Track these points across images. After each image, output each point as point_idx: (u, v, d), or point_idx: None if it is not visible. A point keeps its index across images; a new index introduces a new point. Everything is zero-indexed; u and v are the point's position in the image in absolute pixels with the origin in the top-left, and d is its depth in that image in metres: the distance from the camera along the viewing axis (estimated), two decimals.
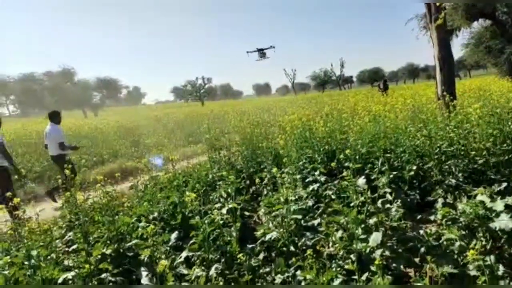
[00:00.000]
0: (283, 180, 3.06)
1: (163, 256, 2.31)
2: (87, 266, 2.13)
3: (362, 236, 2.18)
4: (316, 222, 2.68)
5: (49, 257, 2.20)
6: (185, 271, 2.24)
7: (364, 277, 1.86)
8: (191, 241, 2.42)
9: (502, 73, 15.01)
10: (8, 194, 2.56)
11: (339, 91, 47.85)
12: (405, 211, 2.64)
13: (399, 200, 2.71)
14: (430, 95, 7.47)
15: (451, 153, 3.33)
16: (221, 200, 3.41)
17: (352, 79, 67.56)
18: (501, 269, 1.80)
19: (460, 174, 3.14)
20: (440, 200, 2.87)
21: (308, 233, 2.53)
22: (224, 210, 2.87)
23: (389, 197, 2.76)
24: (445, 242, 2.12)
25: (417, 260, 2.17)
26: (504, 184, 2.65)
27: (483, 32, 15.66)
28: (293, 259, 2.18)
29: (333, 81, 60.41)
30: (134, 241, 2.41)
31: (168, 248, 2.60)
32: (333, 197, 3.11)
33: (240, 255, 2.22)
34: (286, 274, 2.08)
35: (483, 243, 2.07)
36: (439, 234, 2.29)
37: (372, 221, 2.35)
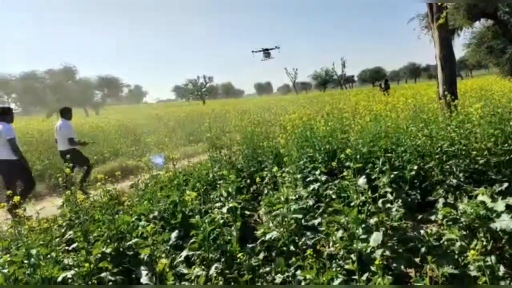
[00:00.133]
0: (284, 179, 3.06)
1: (163, 255, 2.31)
2: (86, 265, 2.13)
3: (363, 236, 2.18)
4: (316, 221, 2.67)
5: (49, 256, 2.20)
6: (185, 271, 2.24)
7: (364, 277, 1.86)
8: (191, 240, 2.42)
9: (504, 73, 14.97)
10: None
11: (340, 90, 47.80)
12: (406, 211, 2.63)
13: (400, 200, 2.71)
14: (431, 94, 7.45)
15: (452, 153, 3.32)
16: (222, 199, 3.41)
17: (353, 78, 67.51)
18: (501, 269, 1.79)
19: (461, 174, 3.13)
20: (441, 200, 2.86)
21: (308, 233, 2.53)
22: (224, 209, 2.87)
23: (389, 197, 2.75)
24: (445, 242, 2.12)
25: (417, 260, 2.16)
26: (505, 184, 2.65)
27: (485, 32, 15.61)
28: (293, 258, 2.18)
29: (335, 80, 60.37)
30: (134, 240, 2.41)
31: (168, 247, 2.60)
32: (333, 196, 3.11)
33: (240, 254, 2.22)
34: (286, 274, 2.07)
35: (484, 243, 2.06)
36: (439, 234, 2.28)
37: (372, 221, 2.34)
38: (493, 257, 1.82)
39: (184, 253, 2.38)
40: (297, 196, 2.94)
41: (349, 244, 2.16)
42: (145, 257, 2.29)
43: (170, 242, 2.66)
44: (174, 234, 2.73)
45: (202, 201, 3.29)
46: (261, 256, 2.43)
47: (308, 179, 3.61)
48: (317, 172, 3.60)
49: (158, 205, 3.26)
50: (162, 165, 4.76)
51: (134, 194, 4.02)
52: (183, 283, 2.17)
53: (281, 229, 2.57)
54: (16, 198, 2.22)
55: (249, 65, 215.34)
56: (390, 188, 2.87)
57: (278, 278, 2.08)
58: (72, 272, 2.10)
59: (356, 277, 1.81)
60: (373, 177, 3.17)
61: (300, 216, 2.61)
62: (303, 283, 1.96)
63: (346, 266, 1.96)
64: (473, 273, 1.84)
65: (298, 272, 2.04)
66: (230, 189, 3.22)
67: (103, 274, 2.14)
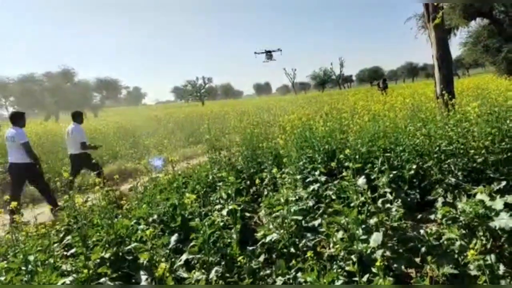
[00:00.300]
0: (283, 180, 3.05)
1: (162, 259, 2.30)
2: (85, 271, 2.11)
3: (363, 237, 2.17)
4: (316, 222, 2.67)
5: (46, 262, 2.18)
6: (185, 275, 2.23)
7: (365, 278, 1.86)
8: (191, 244, 2.41)
9: (500, 72, 15.02)
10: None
11: (339, 90, 47.89)
12: (405, 210, 2.63)
13: (399, 200, 2.71)
14: (429, 94, 7.48)
15: (451, 152, 3.32)
16: (221, 201, 3.40)
17: (351, 78, 67.66)
18: (501, 268, 1.79)
19: (459, 173, 3.14)
20: (440, 199, 2.86)
21: (308, 234, 2.53)
22: (224, 212, 2.86)
23: (389, 196, 2.75)
24: (445, 242, 2.12)
25: (418, 260, 2.16)
26: (503, 183, 2.65)
27: (481, 31, 15.68)
28: (294, 261, 2.17)
29: (333, 80, 60.49)
30: (133, 244, 2.40)
31: (167, 251, 2.58)
32: (333, 197, 3.10)
33: (241, 257, 2.21)
34: (287, 276, 2.07)
35: (484, 242, 2.06)
36: (439, 233, 2.28)
37: (372, 221, 2.34)
38: (492, 256, 1.82)
39: (184, 257, 2.37)
40: (297, 197, 2.94)
41: (349, 245, 2.16)
42: (145, 262, 2.27)
43: (170, 246, 2.64)
44: (173, 238, 2.71)
45: (201, 204, 3.27)
46: (261, 258, 2.42)
47: (307, 180, 3.60)
48: (317, 173, 3.60)
49: (158, 208, 3.25)
50: (161, 168, 4.74)
51: (133, 198, 4.01)
52: (182, 285, 2.15)
53: (281, 231, 2.56)
54: (13, 204, 2.20)
55: (248, 66, 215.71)
56: (389, 188, 2.87)
57: (279, 281, 2.07)
58: (70, 278, 2.08)
59: (357, 278, 1.81)
60: (372, 177, 3.18)
61: (300, 217, 2.60)
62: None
63: (347, 268, 1.95)
64: (473, 272, 1.84)
65: (299, 274, 2.03)
66: (229, 191, 3.21)
67: (102, 280, 2.12)
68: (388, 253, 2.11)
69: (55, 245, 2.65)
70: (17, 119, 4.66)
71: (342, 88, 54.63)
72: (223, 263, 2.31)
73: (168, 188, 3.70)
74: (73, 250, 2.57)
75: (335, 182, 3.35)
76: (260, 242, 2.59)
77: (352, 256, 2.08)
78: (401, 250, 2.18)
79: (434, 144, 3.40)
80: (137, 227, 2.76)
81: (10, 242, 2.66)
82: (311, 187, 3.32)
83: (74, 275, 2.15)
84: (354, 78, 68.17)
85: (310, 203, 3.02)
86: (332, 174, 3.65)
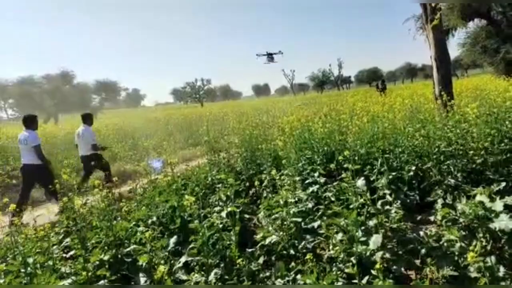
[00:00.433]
0: (283, 182, 3.05)
1: (161, 262, 2.29)
2: (84, 273, 2.10)
3: (362, 239, 2.17)
4: (316, 224, 2.67)
5: (45, 264, 2.17)
6: (184, 277, 2.22)
7: (364, 281, 1.85)
8: (190, 246, 2.40)
9: (498, 72, 15.08)
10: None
11: (337, 91, 47.99)
12: (405, 212, 2.63)
13: (399, 201, 2.70)
14: (428, 95, 7.49)
15: (450, 153, 3.33)
16: (221, 203, 3.40)
17: (350, 79, 67.79)
18: (501, 270, 1.79)
19: (459, 174, 3.14)
20: (440, 201, 2.86)
21: (308, 236, 2.52)
22: (223, 214, 2.85)
23: (388, 198, 2.75)
24: (445, 243, 2.11)
25: (417, 262, 2.16)
26: (503, 184, 2.65)
27: (479, 32, 15.74)
28: (293, 263, 2.16)
29: (332, 81, 60.63)
30: (132, 247, 2.39)
31: (167, 253, 2.57)
32: (332, 199, 3.10)
33: (240, 260, 2.20)
34: (287, 278, 2.06)
35: (483, 243, 2.06)
36: (439, 235, 2.28)
37: (372, 223, 2.34)
38: (493, 258, 1.82)
39: (183, 259, 2.36)
40: (296, 199, 2.93)
41: (349, 247, 2.15)
42: (144, 264, 2.26)
43: (169, 248, 2.63)
44: (173, 240, 2.70)
45: (201, 206, 3.27)
46: (260, 260, 2.41)
47: (307, 182, 3.60)
48: (316, 174, 3.60)
49: (157, 210, 3.24)
50: (161, 170, 4.74)
51: (132, 200, 4.00)
52: (180, 285, 2.15)
53: (281, 233, 2.56)
54: (12, 207, 2.20)
55: (246, 67, 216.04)
56: (388, 189, 2.87)
57: (278, 283, 2.07)
58: (69, 280, 2.07)
59: (356, 280, 1.80)
60: (371, 178, 3.17)
61: (299, 219, 2.60)
62: None
63: (346, 270, 1.95)
64: (473, 274, 1.84)
65: (299, 276, 2.03)
66: (228, 193, 3.21)
67: (101, 282, 2.11)
68: (387, 255, 2.11)
69: (54, 247, 2.64)
70: (30, 122, 4.82)
71: (340, 89, 54.74)
72: (222, 265, 2.30)
73: (167, 190, 3.69)
74: (72, 252, 2.56)
75: (334, 183, 3.35)
76: (259, 244, 2.59)
77: (352, 258, 2.08)
78: (400, 252, 2.18)
79: (433, 145, 3.41)
80: (136, 229, 2.75)
81: (10, 244, 2.65)
82: (310, 189, 3.32)
83: (73, 277, 2.15)
84: (352, 79, 68.31)
85: (309, 205, 3.01)
86: (331, 176, 3.65)
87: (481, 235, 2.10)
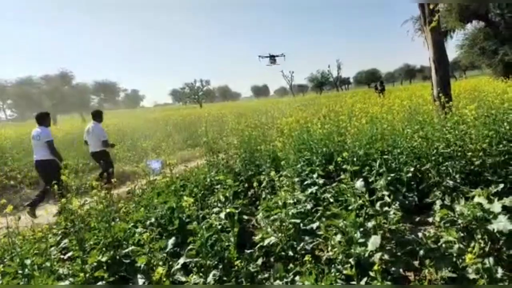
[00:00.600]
0: (281, 183, 3.05)
1: (160, 263, 2.28)
2: (82, 274, 2.10)
3: (361, 240, 2.17)
4: (314, 225, 2.67)
5: (43, 265, 2.16)
6: (182, 278, 2.21)
7: (363, 282, 1.85)
8: (189, 247, 2.40)
9: (497, 74, 15.14)
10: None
11: (336, 92, 48.10)
12: (403, 213, 2.63)
13: (397, 203, 2.71)
14: (426, 96, 7.51)
15: (448, 154, 3.33)
16: (219, 204, 3.39)
17: (349, 80, 67.94)
18: (500, 271, 1.79)
19: (457, 176, 3.14)
20: (438, 202, 2.86)
21: (306, 237, 2.52)
22: (222, 215, 2.85)
23: (387, 199, 2.75)
24: (443, 245, 2.12)
25: (416, 263, 2.16)
26: (501, 185, 2.66)
27: (477, 34, 15.84)
28: (292, 264, 2.16)
29: (331, 82, 60.75)
30: (130, 248, 2.38)
31: (165, 255, 2.57)
32: (331, 200, 3.10)
33: (238, 261, 2.20)
34: (285, 280, 2.06)
35: (482, 245, 2.06)
36: (437, 236, 2.28)
37: (370, 224, 2.34)
38: (491, 259, 1.82)
39: (182, 261, 2.36)
40: (295, 200, 2.93)
41: (347, 248, 2.15)
42: (142, 265, 2.26)
43: (167, 249, 2.63)
44: (171, 241, 2.70)
45: (199, 207, 3.26)
46: (259, 261, 2.41)
47: (305, 183, 3.60)
48: (315, 176, 3.60)
49: (155, 212, 3.23)
50: (159, 170, 4.73)
51: (130, 201, 3.99)
52: (179, 285, 2.14)
53: (279, 234, 2.55)
54: (9, 208, 2.18)
55: (246, 68, 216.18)
56: (387, 190, 2.87)
57: (277, 284, 2.06)
58: (67, 282, 2.06)
59: (355, 282, 1.80)
60: (370, 179, 3.18)
61: (298, 220, 2.60)
62: None
63: (345, 271, 1.95)
64: (472, 275, 1.84)
65: (297, 277, 2.03)
66: (227, 194, 3.20)
67: (99, 284, 2.10)
68: (386, 256, 2.11)
69: (52, 248, 2.63)
70: (42, 119, 5.07)
71: (339, 90, 54.86)
72: (220, 266, 2.30)
73: (166, 191, 3.68)
74: (70, 254, 2.55)
75: (333, 184, 3.35)
76: (258, 245, 2.58)
77: (350, 259, 2.07)
78: (399, 253, 2.18)
79: (431, 146, 3.41)
80: (135, 230, 2.75)
81: (7, 245, 2.64)
82: (309, 190, 3.32)
83: (71, 278, 2.14)
84: (351, 80, 68.48)
85: (308, 206, 3.01)
86: (330, 177, 3.65)
87: (479, 236, 2.10)
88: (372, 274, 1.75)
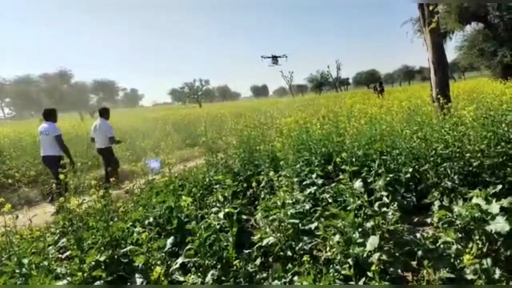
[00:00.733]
0: (280, 183, 3.05)
1: (158, 263, 2.28)
2: (80, 274, 2.09)
3: (359, 240, 2.17)
4: (313, 226, 2.67)
5: (41, 264, 2.15)
6: (180, 278, 2.21)
7: (361, 282, 1.85)
8: (187, 247, 2.39)
9: (495, 75, 15.20)
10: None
11: (335, 93, 48.18)
12: (402, 214, 2.64)
13: (396, 203, 2.71)
14: (425, 97, 7.53)
15: (447, 155, 3.34)
16: (218, 204, 3.39)
17: (348, 81, 68.06)
18: (497, 272, 1.80)
19: (455, 176, 3.15)
20: (436, 203, 2.87)
21: (305, 238, 2.52)
22: (220, 215, 2.84)
23: (385, 200, 2.75)
24: (441, 245, 2.12)
25: (414, 263, 2.17)
26: (499, 186, 2.66)
27: (476, 35, 15.89)
28: (290, 264, 2.16)
29: (330, 83, 60.85)
30: (128, 247, 2.38)
31: (163, 254, 2.56)
32: (330, 200, 3.11)
33: (237, 261, 2.20)
34: (283, 280, 2.06)
35: (480, 246, 2.07)
36: (435, 237, 2.29)
37: (369, 224, 2.34)
38: (489, 260, 1.83)
39: (180, 260, 2.35)
40: (293, 200, 2.93)
41: (346, 248, 2.16)
42: (140, 265, 2.25)
43: (166, 249, 2.62)
44: (169, 241, 2.69)
45: (198, 207, 3.26)
46: (258, 261, 2.41)
47: (304, 183, 3.60)
48: (314, 176, 3.60)
49: (154, 211, 3.22)
50: (158, 170, 4.72)
51: (129, 200, 3.98)
52: (177, 285, 2.14)
53: (278, 234, 2.55)
54: (8, 207, 2.17)
55: (245, 68, 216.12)
56: (386, 191, 2.88)
57: (275, 284, 2.06)
58: (65, 281, 2.05)
59: (353, 282, 1.80)
60: (369, 180, 3.18)
61: (296, 220, 2.60)
62: None
63: (343, 272, 1.95)
64: (470, 276, 1.84)
65: (296, 278, 2.03)
66: (226, 194, 3.20)
67: (97, 283, 2.09)
68: (384, 257, 2.11)
69: (50, 247, 2.62)
70: (50, 114, 5.18)
71: (339, 91, 54.93)
72: (219, 266, 2.30)
73: (165, 190, 3.68)
74: (68, 253, 2.54)
75: (332, 185, 3.36)
76: (256, 245, 2.58)
77: (349, 260, 2.08)
78: (397, 254, 2.18)
79: (430, 147, 3.42)
80: (133, 229, 2.74)
81: (4, 244, 2.63)
82: (308, 190, 3.32)
83: (69, 278, 2.13)
84: (350, 80, 68.60)
85: (307, 206, 3.02)
86: (329, 177, 3.66)
87: (477, 237, 2.11)
88: (370, 274, 1.75)
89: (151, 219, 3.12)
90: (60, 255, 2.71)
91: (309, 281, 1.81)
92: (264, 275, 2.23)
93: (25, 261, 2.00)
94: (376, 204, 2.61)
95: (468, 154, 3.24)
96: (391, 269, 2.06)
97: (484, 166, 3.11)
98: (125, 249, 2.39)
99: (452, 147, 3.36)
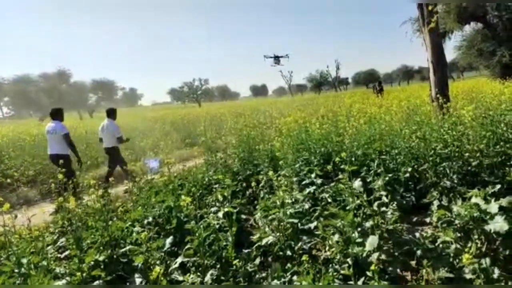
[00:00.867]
0: (280, 183, 3.05)
1: (157, 262, 2.27)
2: (79, 273, 2.09)
3: (359, 240, 2.17)
4: (312, 225, 2.67)
5: (40, 264, 2.14)
6: (180, 278, 2.21)
7: (360, 282, 1.86)
8: (186, 247, 2.39)
9: (494, 75, 15.24)
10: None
11: (335, 92, 48.23)
12: (401, 213, 2.64)
13: (395, 203, 2.72)
14: (424, 97, 7.55)
15: (446, 155, 3.35)
16: (217, 203, 3.39)
17: (347, 80, 68.12)
18: (496, 272, 1.80)
19: (454, 176, 3.16)
20: (435, 202, 2.87)
21: (304, 237, 2.52)
22: (220, 214, 2.84)
23: (385, 199, 2.76)
24: (441, 245, 2.13)
25: (413, 263, 2.17)
26: (498, 186, 2.67)
27: (475, 35, 15.92)
28: (290, 264, 2.16)
29: (329, 82, 60.90)
30: (128, 247, 2.37)
31: (162, 254, 2.56)
32: (329, 200, 3.11)
33: (236, 260, 2.20)
34: (283, 279, 2.06)
35: (479, 245, 2.07)
36: (435, 236, 2.29)
37: (368, 224, 2.34)
38: (487, 259, 1.83)
39: (179, 260, 2.35)
40: (293, 200, 2.93)
41: (345, 248, 2.16)
42: (139, 264, 2.25)
43: (165, 249, 2.62)
44: (169, 240, 2.69)
45: (197, 206, 3.26)
46: (257, 261, 2.41)
47: (303, 182, 3.60)
48: (313, 175, 3.61)
49: (153, 211, 3.22)
50: (157, 169, 4.72)
51: (128, 200, 3.97)
52: (176, 285, 2.13)
53: (277, 234, 2.56)
54: (6, 206, 2.17)
55: (245, 68, 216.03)
56: (385, 190, 2.88)
57: (275, 284, 2.06)
58: (64, 281, 2.05)
59: (352, 282, 1.80)
60: (368, 179, 3.19)
61: (296, 220, 2.60)
62: None
63: (342, 271, 1.95)
64: (468, 275, 1.85)
65: (295, 277, 2.03)
66: (225, 193, 3.20)
67: (96, 283, 2.09)
68: (383, 256, 2.12)
69: (49, 247, 2.61)
70: (57, 114, 5.32)
71: (338, 91, 54.98)
72: (218, 266, 2.30)
73: (164, 190, 3.67)
74: (67, 253, 2.53)
75: (331, 184, 3.36)
76: (255, 245, 2.58)
77: (348, 259, 2.08)
78: (396, 253, 2.18)
79: (429, 147, 3.43)
80: (132, 229, 2.74)
81: (3, 244, 2.62)
82: (307, 190, 3.32)
83: (68, 277, 2.13)
84: (350, 80, 68.66)
85: (306, 206, 3.02)
86: (328, 177, 3.66)
87: (476, 236, 2.11)
88: (369, 274, 1.76)
89: (150, 219, 3.12)
90: (59, 255, 2.71)
91: (308, 281, 1.82)
92: (264, 274, 2.23)
93: (24, 260, 2.00)
94: (375, 203, 2.61)
95: (467, 154, 3.24)
96: (390, 268, 2.07)
97: (483, 166, 3.12)
98: (124, 249, 2.39)
99: (451, 146, 3.36)
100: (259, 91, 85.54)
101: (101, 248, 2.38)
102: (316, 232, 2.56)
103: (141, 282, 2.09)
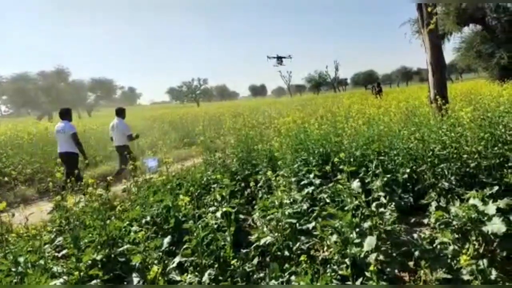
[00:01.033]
0: (278, 183, 3.05)
1: (155, 262, 2.27)
2: (76, 273, 2.08)
3: (357, 240, 2.17)
4: (310, 225, 2.67)
5: (37, 263, 2.13)
6: (177, 277, 2.20)
7: (358, 282, 1.86)
8: (184, 246, 2.38)
9: (493, 77, 15.29)
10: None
11: (333, 93, 48.31)
12: (399, 214, 2.65)
13: (393, 203, 2.72)
14: (422, 98, 7.57)
15: (444, 156, 3.36)
16: (215, 203, 3.38)
17: (346, 81, 68.24)
18: (493, 273, 1.81)
19: (452, 177, 3.17)
20: (433, 203, 2.88)
21: (302, 237, 2.52)
22: (218, 214, 2.84)
23: (383, 200, 2.76)
24: (438, 246, 2.13)
25: (411, 264, 2.18)
26: (496, 188, 2.68)
27: (474, 37, 15.97)
28: (288, 264, 2.16)
29: (328, 83, 61.00)
30: (125, 246, 2.37)
31: (160, 253, 2.55)
32: (327, 200, 3.11)
33: (234, 260, 2.20)
34: (281, 280, 2.06)
35: (476, 246, 2.08)
36: (432, 237, 2.30)
37: (366, 224, 2.35)
38: (485, 261, 1.84)
39: (177, 259, 2.34)
40: (291, 200, 2.93)
41: (343, 248, 2.16)
42: (137, 264, 2.24)
43: (163, 248, 2.61)
44: (166, 240, 2.68)
45: (195, 206, 3.25)
46: (255, 261, 2.40)
47: (302, 183, 3.61)
48: (311, 176, 3.61)
49: (151, 210, 3.21)
50: (155, 169, 4.71)
51: (126, 199, 3.96)
52: (173, 285, 2.13)
53: (275, 234, 2.55)
54: (2, 205, 2.15)
55: (244, 68, 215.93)
56: (383, 191, 2.88)
57: (272, 284, 2.06)
58: (61, 280, 2.04)
59: (350, 282, 1.81)
60: (366, 180, 3.19)
61: (294, 220, 2.60)
62: None
63: (340, 272, 1.95)
64: (466, 276, 1.85)
65: (293, 277, 2.03)
66: (224, 193, 3.19)
67: (93, 282, 2.08)
68: (381, 257, 2.12)
69: (46, 246, 2.60)
70: (66, 114, 5.53)
71: (337, 91, 55.07)
72: (216, 266, 2.29)
73: (162, 189, 3.66)
74: (64, 252, 2.52)
75: (330, 185, 3.36)
76: (254, 245, 2.58)
77: (346, 260, 2.08)
78: (394, 254, 2.19)
79: (427, 148, 3.44)
80: (130, 228, 2.73)
81: (0, 242, 2.60)
82: (306, 190, 3.32)
83: (65, 277, 2.11)
84: (348, 81, 68.78)
85: (305, 206, 3.02)
86: (327, 177, 3.66)
87: (474, 238, 2.12)
88: (367, 274, 1.76)
89: (148, 218, 3.11)
90: (56, 254, 2.69)
91: (306, 281, 1.81)
92: (262, 274, 2.23)
93: (21, 259, 1.99)
94: (374, 204, 2.62)
95: (465, 155, 3.25)
96: (388, 269, 2.07)
97: (481, 167, 3.13)
98: (122, 248, 2.38)
99: (450, 148, 3.37)
100: (258, 91, 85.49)
101: (99, 247, 2.38)
102: (314, 233, 2.57)
103: (138, 282, 2.08)
